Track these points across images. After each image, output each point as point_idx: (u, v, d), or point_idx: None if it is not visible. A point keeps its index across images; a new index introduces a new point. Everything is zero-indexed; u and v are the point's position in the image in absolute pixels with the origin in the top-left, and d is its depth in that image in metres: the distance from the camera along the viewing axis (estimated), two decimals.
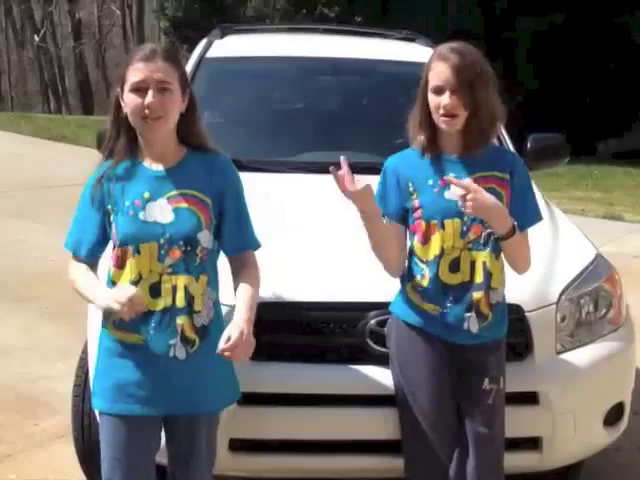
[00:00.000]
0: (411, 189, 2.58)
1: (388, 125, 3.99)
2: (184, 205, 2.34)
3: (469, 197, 2.40)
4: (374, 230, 2.54)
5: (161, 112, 2.29)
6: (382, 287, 2.69)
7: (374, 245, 2.58)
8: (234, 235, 2.43)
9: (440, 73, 2.48)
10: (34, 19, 39.39)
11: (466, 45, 2.53)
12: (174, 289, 2.32)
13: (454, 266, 2.53)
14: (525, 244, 2.60)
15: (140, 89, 2.28)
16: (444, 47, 2.53)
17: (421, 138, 2.57)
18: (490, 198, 2.44)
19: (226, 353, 2.25)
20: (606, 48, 16.41)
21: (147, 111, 2.28)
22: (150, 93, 2.27)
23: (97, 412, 2.51)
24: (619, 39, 16.25)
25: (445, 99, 2.47)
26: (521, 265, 2.61)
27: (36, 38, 38.31)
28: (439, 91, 2.48)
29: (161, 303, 2.32)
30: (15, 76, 42.68)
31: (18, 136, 16.90)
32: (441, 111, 2.48)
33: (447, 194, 2.54)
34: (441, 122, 2.50)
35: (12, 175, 11.22)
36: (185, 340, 2.33)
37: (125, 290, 2.25)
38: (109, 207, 2.35)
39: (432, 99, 2.50)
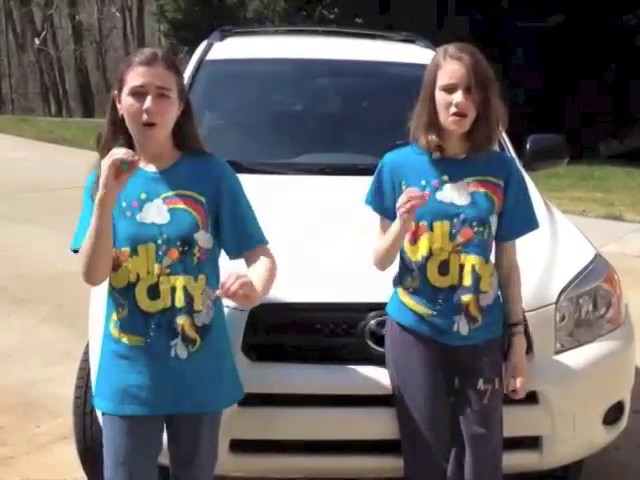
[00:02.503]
0: (404, 188, 2.56)
1: (388, 127, 4.00)
2: (180, 205, 2.33)
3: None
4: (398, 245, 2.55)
5: (158, 119, 2.27)
6: (382, 288, 2.69)
7: (384, 254, 2.59)
8: (233, 235, 2.41)
9: (454, 71, 2.44)
10: (34, 22, 39.44)
11: (471, 47, 2.51)
12: (173, 290, 2.32)
13: (443, 269, 2.53)
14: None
15: (139, 93, 2.27)
16: (451, 48, 2.49)
17: (430, 138, 2.53)
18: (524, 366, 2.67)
19: (234, 297, 2.13)
20: (606, 48, 16.41)
21: (145, 116, 2.26)
22: (149, 98, 2.26)
23: (100, 413, 2.52)
24: (619, 39, 16.25)
25: (458, 97, 2.44)
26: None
27: (36, 41, 38.36)
28: (451, 89, 2.45)
29: (160, 304, 2.32)
30: (16, 79, 42.71)
31: (19, 139, 16.91)
32: (452, 109, 2.45)
33: (439, 195, 2.54)
34: (450, 122, 2.48)
35: (13, 178, 11.23)
36: (186, 339, 2.34)
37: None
38: None
39: (442, 97, 2.47)
